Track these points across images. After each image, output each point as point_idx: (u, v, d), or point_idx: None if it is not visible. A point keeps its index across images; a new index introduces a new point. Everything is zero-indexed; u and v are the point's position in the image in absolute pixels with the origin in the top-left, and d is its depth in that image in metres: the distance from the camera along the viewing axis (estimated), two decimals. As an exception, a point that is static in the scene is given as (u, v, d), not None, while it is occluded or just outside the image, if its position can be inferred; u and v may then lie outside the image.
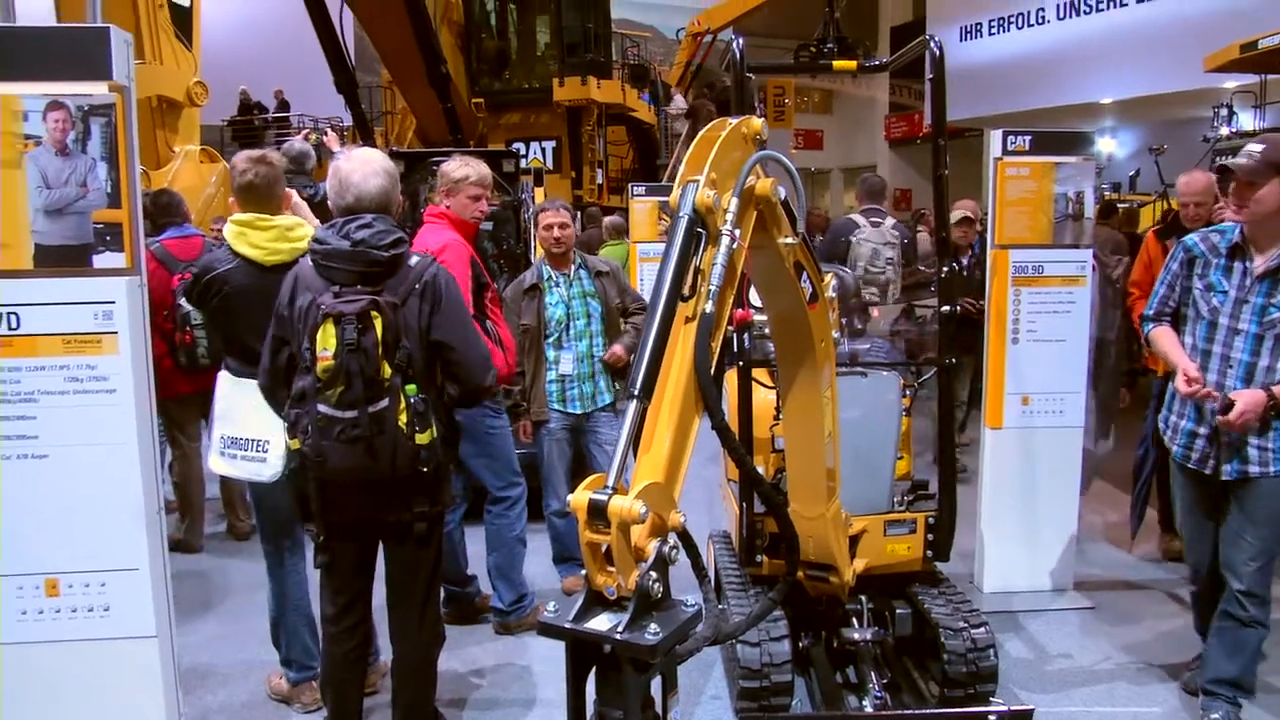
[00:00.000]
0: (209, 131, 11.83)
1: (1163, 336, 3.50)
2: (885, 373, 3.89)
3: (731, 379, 3.81)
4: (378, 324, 2.73)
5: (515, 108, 14.97)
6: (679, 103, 18.21)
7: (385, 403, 2.75)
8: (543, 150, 14.72)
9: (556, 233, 4.69)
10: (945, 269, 3.83)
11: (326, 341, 2.72)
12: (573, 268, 4.80)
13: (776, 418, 3.89)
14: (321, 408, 2.76)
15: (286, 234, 3.46)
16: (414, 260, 2.91)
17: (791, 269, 2.50)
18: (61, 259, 2.70)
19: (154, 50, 10.20)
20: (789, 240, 2.38)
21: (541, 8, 15.23)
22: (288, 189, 3.66)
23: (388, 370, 2.75)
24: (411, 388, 2.80)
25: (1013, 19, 19.71)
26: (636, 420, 1.83)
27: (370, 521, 2.99)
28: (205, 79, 10.65)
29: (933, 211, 4.16)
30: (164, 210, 5.61)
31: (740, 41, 3.57)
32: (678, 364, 1.92)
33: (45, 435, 2.82)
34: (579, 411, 4.79)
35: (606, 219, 10.69)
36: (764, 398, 3.94)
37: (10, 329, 2.74)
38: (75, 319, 2.75)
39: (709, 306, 1.92)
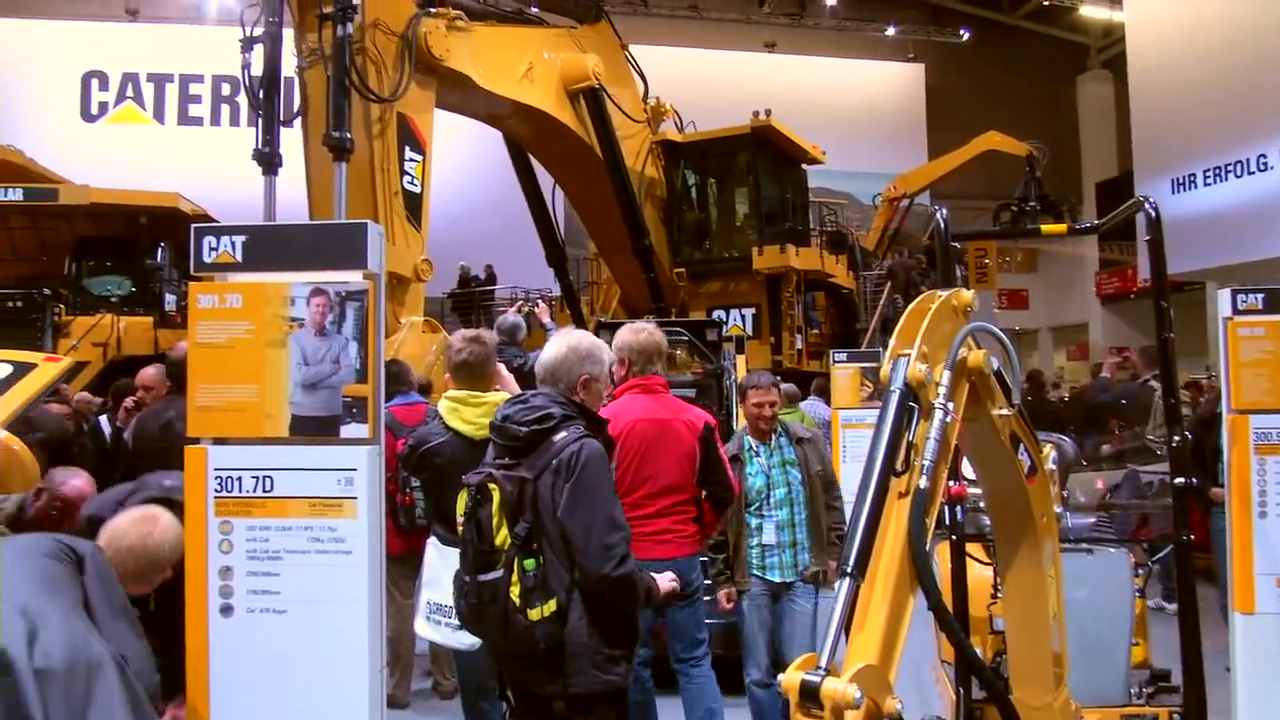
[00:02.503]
0: (431, 303, 12.81)
1: None
2: (1114, 549, 3.63)
3: (943, 552, 3.66)
4: (495, 496, 2.86)
5: (715, 276, 15.40)
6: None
7: (498, 574, 2.83)
8: (743, 317, 14.97)
9: (767, 411, 4.76)
10: (1178, 437, 3.60)
11: (460, 509, 2.95)
12: (774, 436, 4.82)
13: (994, 596, 3.68)
14: (461, 570, 2.97)
15: (495, 410, 3.68)
16: (559, 436, 2.97)
17: (1007, 441, 2.43)
18: (314, 429, 2.96)
19: (389, 233, 11.27)
20: (1004, 412, 2.33)
21: (740, 180, 15.80)
22: (497, 364, 3.90)
23: (506, 542, 2.83)
24: (530, 562, 2.82)
25: (1230, 167, 18.73)
26: (850, 598, 1.80)
27: (523, 691, 3.03)
28: (429, 256, 11.63)
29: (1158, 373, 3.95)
30: (393, 379, 6.08)
31: (944, 211, 3.60)
32: (891, 541, 1.88)
33: (286, 591, 3.00)
34: (778, 580, 4.71)
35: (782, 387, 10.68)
36: (979, 574, 3.75)
37: (265, 491, 3.00)
38: (321, 484, 2.97)
39: (923, 482, 1.89)
